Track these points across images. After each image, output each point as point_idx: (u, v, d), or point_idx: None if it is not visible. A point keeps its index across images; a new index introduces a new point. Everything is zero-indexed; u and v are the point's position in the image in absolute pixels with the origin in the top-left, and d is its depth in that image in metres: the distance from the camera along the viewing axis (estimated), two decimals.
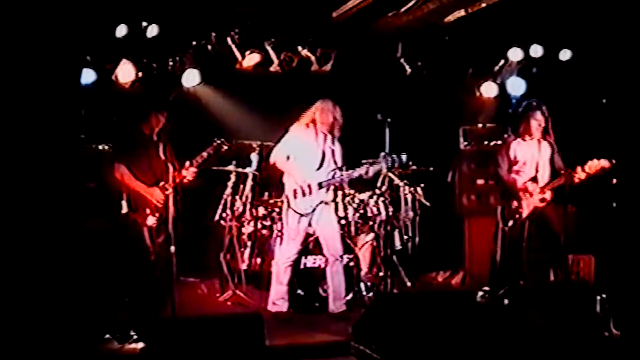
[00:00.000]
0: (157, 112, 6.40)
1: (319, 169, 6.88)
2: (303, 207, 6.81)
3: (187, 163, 6.40)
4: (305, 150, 6.86)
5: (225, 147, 6.67)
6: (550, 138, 7.09)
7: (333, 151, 6.95)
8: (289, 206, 6.85)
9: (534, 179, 7.06)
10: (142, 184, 6.25)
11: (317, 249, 7.09)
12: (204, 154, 6.54)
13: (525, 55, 8.72)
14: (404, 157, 6.90)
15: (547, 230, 7.05)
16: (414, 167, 8.09)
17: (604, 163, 6.77)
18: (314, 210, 6.82)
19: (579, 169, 6.82)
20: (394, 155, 6.80)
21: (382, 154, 6.81)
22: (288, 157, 6.88)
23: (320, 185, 6.83)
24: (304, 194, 6.80)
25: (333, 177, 6.91)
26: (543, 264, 7.30)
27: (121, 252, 6.26)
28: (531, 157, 7.10)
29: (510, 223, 7.03)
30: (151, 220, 6.23)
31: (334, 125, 6.91)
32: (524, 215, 7.02)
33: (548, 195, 7.01)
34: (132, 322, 5.73)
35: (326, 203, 6.90)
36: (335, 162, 6.95)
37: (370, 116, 7.28)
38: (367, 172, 6.91)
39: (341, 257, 6.97)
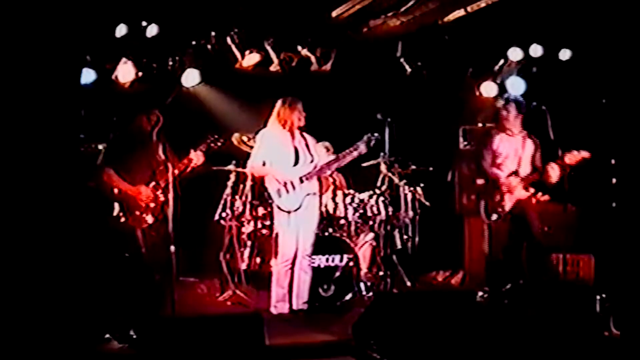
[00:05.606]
0: (157, 111, 6.40)
1: (295, 164, 6.84)
2: (289, 204, 6.78)
3: (192, 150, 6.42)
4: (279, 152, 6.82)
5: (219, 143, 6.66)
6: (534, 136, 7.16)
7: (306, 145, 6.92)
8: (277, 207, 6.83)
9: (515, 173, 7.09)
10: (128, 185, 6.26)
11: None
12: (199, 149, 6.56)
13: (525, 55, 8.72)
14: (376, 134, 6.90)
15: (526, 231, 7.07)
16: (414, 167, 8.11)
17: (584, 154, 6.83)
18: (300, 205, 6.79)
19: (552, 164, 6.90)
20: (369, 137, 6.83)
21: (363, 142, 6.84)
22: (264, 163, 6.86)
23: (301, 180, 6.81)
24: (287, 191, 6.78)
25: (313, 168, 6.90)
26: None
27: (115, 254, 6.25)
28: (514, 152, 7.16)
29: (494, 217, 7.07)
30: (144, 222, 6.24)
31: (299, 120, 6.85)
32: (507, 208, 7.04)
33: (531, 190, 7.05)
34: (132, 322, 5.73)
35: (314, 193, 6.88)
36: (310, 155, 6.92)
37: (370, 116, 7.28)
38: (344, 157, 6.91)
39: (309, 256, 6.90)
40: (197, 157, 6.43)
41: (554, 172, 6.92)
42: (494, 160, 7.14)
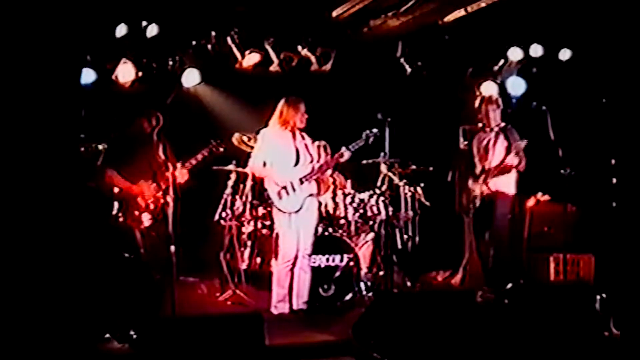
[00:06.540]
0: (157, 111, 6.41)
1: (295, 165, 6.84)
2: (290, 206, 6.78)
3: (179, 165, 6.41)
4: (280, 152, 6.82)
5: (221, 149, 6.68)
6: (512, 132, 7.29)
7: (305, 145, 6.93)
8: (277, 209, 6.83)
9: (483, 168, 7.30)
10: (130, 184, 6.26)
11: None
12: (199, 156, 6.57)
13: (525, 55, 8.73)
14: (374, 130, 6.95)
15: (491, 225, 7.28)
16: (414, 167, 8.11)
17: (524, 142, 7.13)
18: (301, 206, 6.80)
19: (513, 152, 7.17)
20: (368, 134, 6.90)
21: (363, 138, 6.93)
22: (265, 164, 6.85)
23: (301, 181, 6.82)
24: (287, 193, 6.78)
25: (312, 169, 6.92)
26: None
27: (114, 254, 6.25)
28: (484, 147, 7.37)
29: (471, 214, 7.35)
30: (143, 221, 6.24)
31: (300, 121, 6.87)
32: (477, 203, 7.27)
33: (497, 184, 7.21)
34: (132, 322, 5.73)
35: (314, 194, 6.91)
36: (310, 155, 6.93)
37: (370, 116, 7.28)
38: (342, 156, 6.93)
39: (309, 256, 6.91)
40: (180, 175, 6.41)
41: (515, 159, 7.16)
42: (472, 157, 7.39)
